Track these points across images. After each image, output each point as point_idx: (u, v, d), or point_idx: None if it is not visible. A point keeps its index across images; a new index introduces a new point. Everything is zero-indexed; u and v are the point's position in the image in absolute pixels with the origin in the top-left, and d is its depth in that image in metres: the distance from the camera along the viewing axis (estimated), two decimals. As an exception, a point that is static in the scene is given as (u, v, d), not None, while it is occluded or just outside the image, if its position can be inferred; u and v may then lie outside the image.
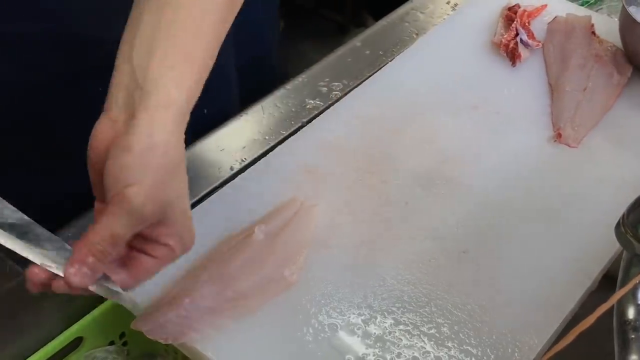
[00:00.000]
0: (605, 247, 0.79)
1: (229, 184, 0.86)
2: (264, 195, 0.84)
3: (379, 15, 1.17)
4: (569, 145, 0.90)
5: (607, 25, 1.05)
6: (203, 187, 0.87)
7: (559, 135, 0.90)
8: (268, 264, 0.75)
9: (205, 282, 0.73)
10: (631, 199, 0.83)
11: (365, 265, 0.77)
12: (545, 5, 1.09)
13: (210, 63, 0.64)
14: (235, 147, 0.92)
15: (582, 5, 1.14)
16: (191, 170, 0.88)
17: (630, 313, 0.52)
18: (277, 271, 0.75)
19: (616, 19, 1.03)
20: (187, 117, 0.62)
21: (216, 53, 0.65)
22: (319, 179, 0.86)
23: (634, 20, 0.94)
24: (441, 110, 0.94)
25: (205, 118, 0.87)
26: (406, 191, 0.85)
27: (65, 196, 0.85)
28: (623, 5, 0.97)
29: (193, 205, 0.84)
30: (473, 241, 0.80)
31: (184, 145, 0.62)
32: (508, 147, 0.90)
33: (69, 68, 0.84)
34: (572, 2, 1.13)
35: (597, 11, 1.15)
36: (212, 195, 0.85)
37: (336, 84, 1.01)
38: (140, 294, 0.72)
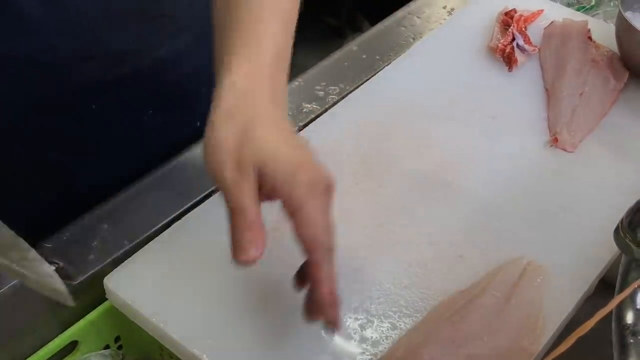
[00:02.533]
0: (602, 251, 0.79)
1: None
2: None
3: (375, 19, 1.17)
4: (565, 150, 0.90)
5: (603, 31, 1.05)
6: (200, 191, 0.87)
7: (555, 140, 0.90)
8: (503, 331, 0.71)
9: (435, 344, 0.70)
10: (629, 203, 0.83)
11: (362, 269, 0.77)
12: (542, 11, 1.10)
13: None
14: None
15: (578, 10, 1.14)
16: (188, 174, 0.89)
17: (629, 317, 0.52)
18: (514, 340, 0.71)
19: (612, 24, 1.03)
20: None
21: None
22: (316, 182, 0.85)
23: (631, 26, 0.95)
24: (438, 114, 0.93)
25: None
26: (403, 196, 0.85)
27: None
28: (619, 11, 0.98)
29: (190, 209, 0.84)
30: (469, 246, 0.80)
31: None
32: (504, 151, 0.90)
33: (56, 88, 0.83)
34: (568, 7, 1.13)
35: (593, 16, 1.15)
36: (208, 200, 0.84)
37: (333, 88, 1.01)
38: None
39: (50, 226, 0.82)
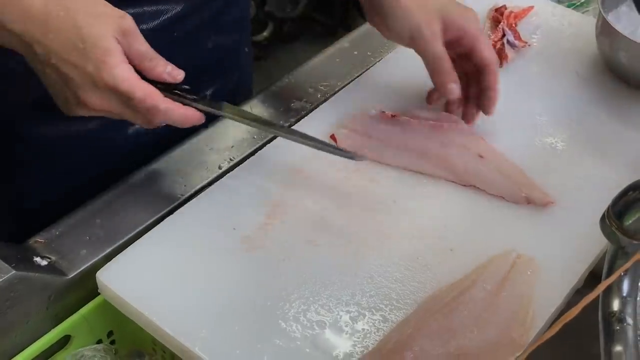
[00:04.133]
0: (591, 244, 0.80)
1: (216, 182, 0.86)
2: (252, 195, 0.84)
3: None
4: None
5: (591, 28, 1.05)
6: (191, 186, 0.87)
7: None
8: (493, 323, 0.72)
9: (425, 336, 0.71)
10: (609, 197, 0.84)
11: (353, 263, 0.78)
12: (532, 7, 1.10)
13: None
14: (224, 146, 0.92)
15: (569, 7, 1.15)
16: (179, 169, 0.89)
17: (615, 305, 0.52)
18: (504, 332, 0.71)
19: (592, 18, 1.04)
20: None
21: None
22: (307, 177, 0.86)
23: (610, 27, 0.95)
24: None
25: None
26: (394, 190, 0.85)
27: None
28: (599, 12, 0.98)
29: (180, 205, 0.84)
30: (459, 239, 0.81)
31: None
32: (495, 146, 0.90)
33: None
34: (559, 3, 1.14)
35: (583, 13, 1.16)
36: (200, 194, 0.85)
37: (324, 84, 1.01)
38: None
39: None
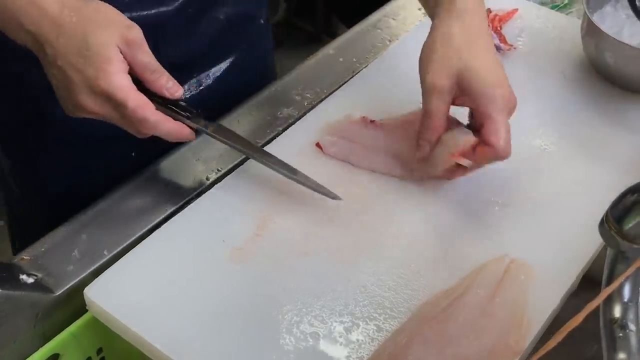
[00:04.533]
0: (584, 247, 0.79)
1: (205, 194, 0.85)
2: (241, 205, 0.83)
3: (352, 24, 1.16)
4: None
5: (576, 29, 1.05)
6: (179, 198, 0.86)
7: None
8: (489, 329, 0.71)
9: (421, 344, 0.70)
10: (608, 198, 0.84)
11: (346, 272, 0.77)
12: (516, 10, 1.10)
13: None
14: (211, 156, 0.91)
15: (552, 8, 1.15)
16: (166, 180, 0.88)
17: (617, 311, 0.52)
18: (500, 338, 0.70)
19: (578, 20, 1.04)
20: None
21: None
22: (296, 187, 0.85)
23: (596, 27, 0.94)
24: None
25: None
26: (385, 197, 0.84)
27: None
28: (584, 12, 0.98)
29: (169, 217, 0.83)
30: (452, 244, 0.80)
31: None
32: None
33: None
34: (542, 5, 1.14)
35: (567, 14, 1.16)
36: (188, 206, 0.84)
37: (310, 91, 1.00)
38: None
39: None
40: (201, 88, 0.99)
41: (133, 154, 0.95)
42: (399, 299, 0.74)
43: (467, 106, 0.81)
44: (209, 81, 1.00)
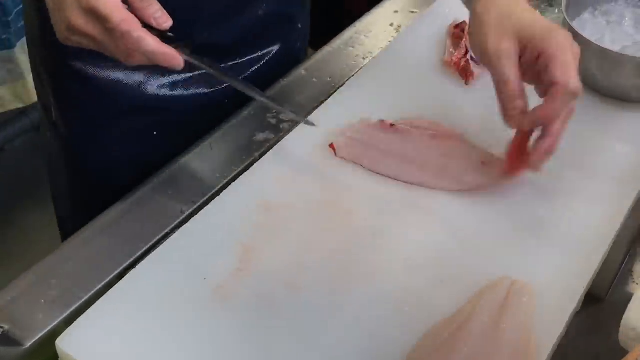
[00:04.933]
0: (585, 263, 0.76)
1: (180, 229, 0.79)
2: (220, 238, 0.78)
3: (317, 45, 1.12)
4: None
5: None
6: (153, 235, 0.80)
7: None
8: (496, 358, 0.67)
9: None
10: (605, 212, 0.81)
11: (339, 305, 0.72)
12: (491, 21, 1.07)
13: None
14: (185, 187, 0.86)
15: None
16: (138, 216, 0.83)
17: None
18: None
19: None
20: None
21: None
22: (279, 215, 0.80)
23: (577, 34, 0.91)
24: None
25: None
26: (373, 221, 0.80)
27: None
28: (564, 19, 0.95)
29: (142, 257, 0.77)
30: (449, 269, 0.75)
31: None
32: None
33: None
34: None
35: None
36: (163, 243, 0.78)
37: (284, 115, 0.95)
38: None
39: None
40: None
41: None
42: (396, 332, 0.70)
43: (531, 63, 0.78)
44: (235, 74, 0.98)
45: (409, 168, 0.84)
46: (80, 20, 0.72)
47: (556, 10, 1.23)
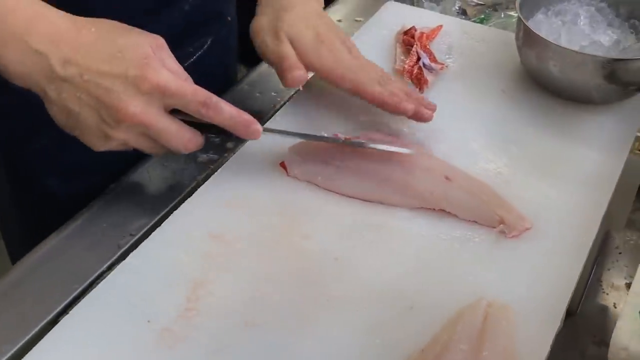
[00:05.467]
0: (564, 279, 0.70)
1: (118, 265, 0.71)
2: (165, 275, 0.69)
3: (250, 62, 1.05)
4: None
5: (509, 41, 0.98)
6: (88, 274, 0.71)
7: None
8: None
9: None
10: (577, 222, 0.75)
11: (300, 341, 0.64)
12: (441, 26, 1.02)
13: None
14: (120, 220, 0.77)
15: (476, 22, 1.08)
16: (69, 254, 0.74)
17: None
18: None
19: (508, 31, 0.97)
20: None
21: None
22: (229, 244, 0.72)
23: (538, 37, 0.87)
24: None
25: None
26: (333, 245, 0.72)
27: None
28: (519, 18, 0.91)
29: (76, 299, 0.68)
30: (418, 293, 0.69)
31: None
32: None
33: None
34: (467, 19, 1.06)
35: (490, 27, 1.09)
36: (100, 283, 0.69)
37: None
38: None
39: None
40: None
41: None
42: (366, 366, 0.63)
43: None
44: None
45: (368, 185, 0.78)
46: (139, 106, 0.67)
47: (502, 15, 1.21)
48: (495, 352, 0.63)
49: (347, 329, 0.65)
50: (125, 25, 0.70)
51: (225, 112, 0.71)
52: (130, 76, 0.66)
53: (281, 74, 0.82)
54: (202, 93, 0.69)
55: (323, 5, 0.91)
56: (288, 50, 0.82)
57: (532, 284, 0.70)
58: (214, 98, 0.70)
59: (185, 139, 0.71)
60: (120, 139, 0.69)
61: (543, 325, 0.66)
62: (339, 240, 0.73)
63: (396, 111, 0.82)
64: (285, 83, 0.82)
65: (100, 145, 0.70)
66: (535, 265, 0.71)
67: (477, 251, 0.72)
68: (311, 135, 0.81)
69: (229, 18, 1.03)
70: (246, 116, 0.72)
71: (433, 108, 0.84)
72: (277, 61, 0.83)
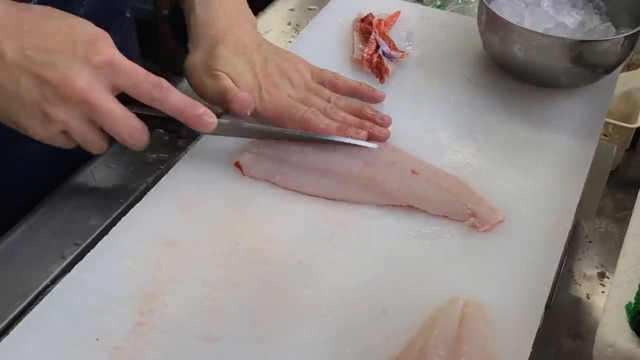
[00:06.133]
0: (541, 273, 0.67)
1: (63, 279, 0.65)
2: (114, 288, 0.64)
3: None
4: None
5: (469, 25, 0.94)
6: (28, 291, 0.65)
7: None
8: None
9: None
10: (551, 211, 0.72)
11: (264, 353, 0.59)
12: (399, 13, 0.98)
13: None
14: (64, 228, 0.71)
15: (436, 7, 1.04)
16: (8, 270, 0.67)
17: None
18: None
19: (468, 16, 0.93)
20: None
21: None
22: (183, 251, 0.67)
23: (503, 20, 0.83)
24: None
25: None
26: (296, 247, 0.68)
27: None
28: (481, 2, 0.87)
29: (18, 317, 0.62)
30: (391, 296, 0.64)
31: None
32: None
33: None
34: (425, 5, 1.02)
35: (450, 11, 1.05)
36: (43, 299, 0.63)
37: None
38: None
39: None
40: None
41: None
42: (339, 378, 0.58)
43: None
44: None
45: (329, 182, 0.73)
46: (84, 81, 0.63)
47: (459, 1, 1.17)
48: (474, 355, 0.59)
49: (315, 338, 0.60)
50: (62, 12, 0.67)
51: (175, 97, 0.67)
52: (80, 49, 0.63)
53: (227, 104, 0.76)
54: (154, 76, 0.67)
55: (256, 23, 0.86)
56: (228, 83, 0.77)
57: (508, 279, 0.66)
58: (165, 82, 0.67)
59: (131, 126, 0.67)
60: (61, 119, 0.64)
61: (523, 323, 0.62)
62: (303, 242, 0.68)
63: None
64: (233, 108, 0.76)
65: (39, 129, 0.65)
66: (511, 260, 0.68)
67: (449, 248, 0.68)
68: (273, 130, 0.76)
69: (127, 14, 0.97)
70: (199, 105, 0.69)
71: (387, 123, 0.79)
72: (219, 96, 0.77)
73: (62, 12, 0.67)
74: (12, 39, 0.63)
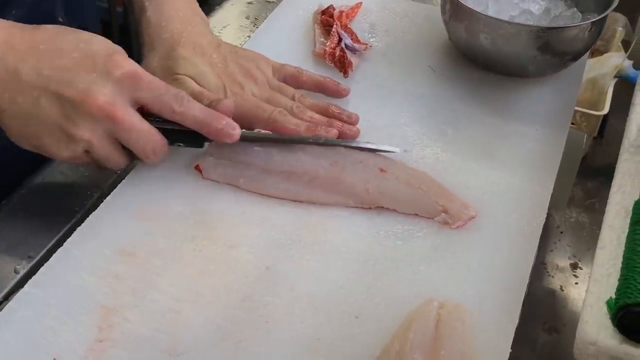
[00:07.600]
0: (518, 271, 0.64)
1: (16, 295, 0.61)
2: (70, 302, 0.60)
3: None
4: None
5: (433, 15, 0.92)
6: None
7: None
8: None
9: None
10: (525, 207, 0.70)
11: (234, 367, 0.56)
12: (361, 3, 0.95)
13: None
14: (15, 241, 0.67)
15: (397, -2, 1.01)
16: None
17: None
18: None
19: (430, 5, 0.91)
20: None
21: None
22: (143, 262, 0.63)
23: (468, 9, 0.80)
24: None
25: None
26: (263, 253, 0.64)
27: None
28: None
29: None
30: (362, 300, 0.61)
31: None
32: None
33: None
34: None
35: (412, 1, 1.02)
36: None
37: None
38: None
39: None
40: None
41: None
42: (311, 392, 0.55)
43: None
44: None
45: (294, 184, 0.70)
46: (105, 95, 0.61)
47: (421, -12, 1.14)
48: (452, 359, 0.57)
49: (286, 348, 0.58)
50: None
51: (197, 109, 0.66)
52: (100, 64, 0.62)
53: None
54: (173, 88, 0.66)
55: (209, 23, 0.82)
56: (194, 86, 0.73)
57: (483, 277, 0.64)
58: (185, 94, 0.66)
59: (155, 141, 0.65)
60: (85, 138, 0.63)
61: (501, 323, 0.60)
62: (270, 247, 0.65)
63: None
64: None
65: (63, 150, 0.64)
66: (485, 257, 0.65)
67: (422, 247, 0.66)
68: (292, 137, 0.72)
69: (60, 19, 0.91)
70: (220, 116, 0.67)
71: (355, 121, 0.76)
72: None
73: (73, 29, 0.65)
74: (29, 61, 0.62)
